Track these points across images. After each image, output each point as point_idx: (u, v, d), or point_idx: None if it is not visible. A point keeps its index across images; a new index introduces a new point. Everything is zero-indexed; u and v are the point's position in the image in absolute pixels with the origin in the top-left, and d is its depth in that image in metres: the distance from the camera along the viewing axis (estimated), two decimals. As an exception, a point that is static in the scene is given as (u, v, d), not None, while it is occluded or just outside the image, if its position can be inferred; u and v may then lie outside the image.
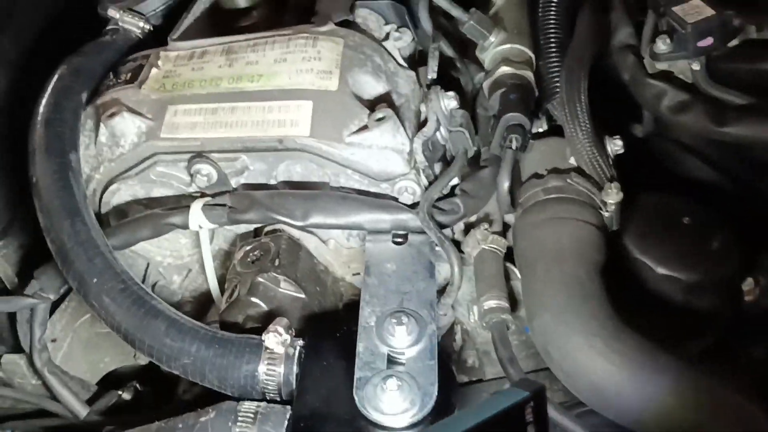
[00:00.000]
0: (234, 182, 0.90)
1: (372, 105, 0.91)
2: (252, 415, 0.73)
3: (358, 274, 0.95)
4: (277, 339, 0.76)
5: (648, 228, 0.94)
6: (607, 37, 1.02)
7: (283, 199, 0.87)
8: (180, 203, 0.90)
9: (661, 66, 0.97)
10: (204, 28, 1.05)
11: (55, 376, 0.94)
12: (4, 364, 0.99)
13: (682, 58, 0.95)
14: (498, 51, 0.98)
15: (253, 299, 0.85)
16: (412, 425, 0.69)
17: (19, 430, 1.01)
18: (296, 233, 0.93)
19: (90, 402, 0.98)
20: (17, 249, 1.02)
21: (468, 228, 0.95)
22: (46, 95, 0.91)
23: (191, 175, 0.89)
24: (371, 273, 0.84)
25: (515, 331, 0.93)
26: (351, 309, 0.92)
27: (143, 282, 0.98)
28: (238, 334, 0.79)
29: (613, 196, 0.88)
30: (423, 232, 0.87)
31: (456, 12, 0.99)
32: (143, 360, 1.02)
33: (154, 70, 0.97)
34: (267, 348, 0.77)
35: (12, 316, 0.96)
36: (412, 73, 1.01)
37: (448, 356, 1.00)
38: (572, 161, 0.94)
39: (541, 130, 1.00)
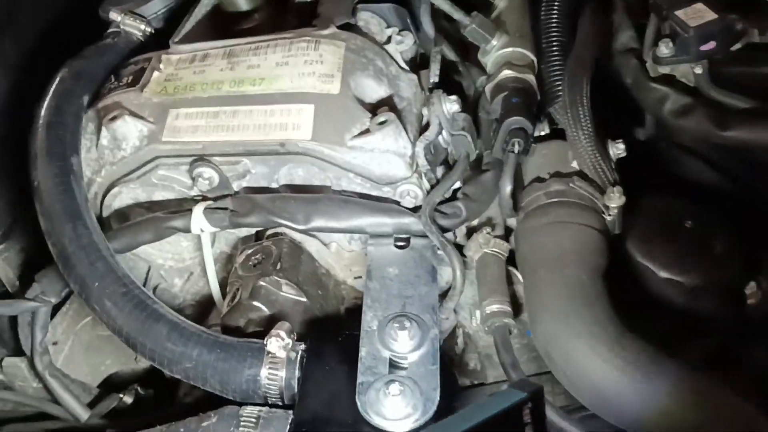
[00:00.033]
0: (236, 186, 0.90)
1: (374, 108, 0.91)
2: (254, 420, 0.74)
3: (360, 277, 0.95)
4: (279, 343, 0.76)
5: (650, 231, 0.93)
6: (609, 40, 1.02)
7: (285, 202, 0.87)
8: (182, 206, 0.90)
9: (664, 70, 0.97)
10: (205, 31, 1.05)
11: (57, 379, 0.94)
12: (5, 367, 0.99)
13: (685, 61, 0.95)
14: (500, 54, 0.98)
15: (255, 303, 0.85)
16: (415, 430, 0.69)
17: (20, 434, 1.01)
18: (298, 236, 0.93)
19: (91, 405, 0.98)
20: (19, 252, 1.02)
21: (470, 232, 0.95)
22: (48, 98, 0.91)
23: (193, 179, 0.89)
24: (373, 277, 0.84)
25: (517, 335, 0.93)
26: (353, 312, 0.92)
27: (144, 285, 0.98)
28: (240, 338, 0.79)
29: (615, 200, 0.88)
30: (425, 236, 0.87)
31: (458, 15, 0.99)
32: (144, 363, 1.02)
33: (155, 73, 0.96)
34: (269, 352, 0.77)
35: (13, 319, 0.97)
36: (414, 77, 1.01)
37: (449, 360, 1.00)
38: (574, 165, 0.94)
39: (543, 133, 1.00)
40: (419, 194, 0.88)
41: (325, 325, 0.88)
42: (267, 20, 1.06)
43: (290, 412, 0.75)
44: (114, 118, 0.90)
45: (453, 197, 0.91)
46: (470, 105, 1.04)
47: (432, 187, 0.90)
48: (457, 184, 0.92)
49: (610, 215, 0.89)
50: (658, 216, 0.95)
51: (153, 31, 1.06)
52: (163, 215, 0.88)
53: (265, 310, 0.85)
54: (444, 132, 0.94)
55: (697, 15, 0.93)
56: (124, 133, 0.90)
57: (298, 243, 0.93)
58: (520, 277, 0.92)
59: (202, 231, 0.88)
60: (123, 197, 0.92)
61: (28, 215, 0.89)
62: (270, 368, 0.76)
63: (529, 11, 1.05)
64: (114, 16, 1.05)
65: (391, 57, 1.01)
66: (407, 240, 0.88)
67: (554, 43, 1.01)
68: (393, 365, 0.74)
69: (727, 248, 0.92)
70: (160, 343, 0.77)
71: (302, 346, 0.78)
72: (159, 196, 0.92)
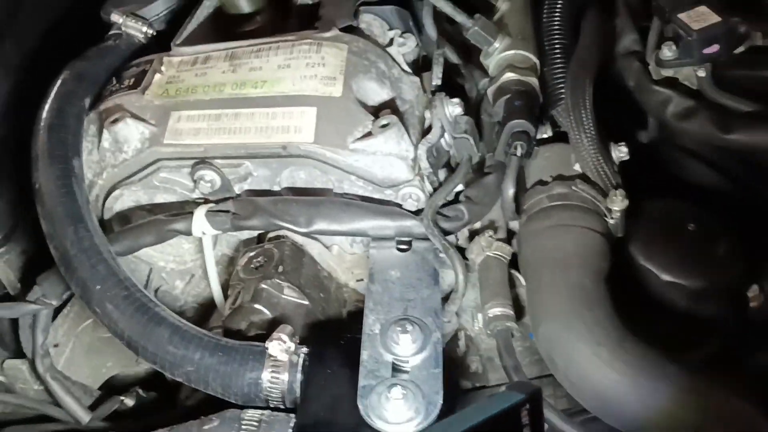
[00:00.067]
0: (237, 188, 0.90)
1: (376, 111, 0.91)
2: (256, 424, 0.73)
3: (362, 280, 0.95)
4: (280, 346, 0.76)
5: (653, 234, 0.93)
6: (611, 42, 1.02)
7: (287, 205, 0.86)
8: (183, 209, 0.90)
9: (667, 72, 0.97)
10: (207, 33, 1.05)
11: (58, 382, 0.94)
12: (6, 370, 0.99)
13: (688, 64, 0.94)
14: (502, 57, 0.98)
15: (257, 306, 0.85)
16: (414, 433, 0.69)
17: (21, 436, 1.01)
18: (300, 239, 0.92)
19: (92, 407, 0.97)
20: (20, 254, 1.02)
21: (472, 235, 0.95)
22: (49, 100, 0.91)
23: (194, 181, 0.89)
24: (375, 280, 0.84)
25: (519, 338, 0.93)
26: (354, 315, 0.92)
27: (146, 287, 0.97)
28: (242, 342, 0.79)
29: (618, 203, 0.87)
30: (427, 239, 0.87)
31: (460, 18, 0.98)
32: (145, 365, 1.01)
33: (157, 76, 0.96)
34: (271, 355, 0.77)
35: (14, 322, 0.96)
36: (417, 79, 1.01)
37: (451, 362, 1.00)
38: (577, 168, 0.94)
39: (545, 136, 0.99)
40: (421, 197, 0.88)
41: (327, 329, 0.88)
42: (269, 22, 1.06)
43: (292, 415, 0.74)
44: (116, 121, 0.90)
45: (455, 200, 0.91)
46: (472, 107, 1.03)
47: (434, 190, 0.90)
48: (460, 187, 0.92)
49: (612, 218, 0.89)
50: (661, 219, 0.95)
51: (155, 33, 1.06)
52: (165, 218, 0.88)
53: (267, 313, 0.85)
54: (446, 135, 0.93)
55: (701, 18, 0.93)
56: (126, 136, 0.90)
57: (300, 246, 0.93)
58: (522, 280, 0.91)
59: (203, 234, 0.87)
60: (124, 200, 0.92)
61: (29, 217, 0.88)
62: (272, 372, 0.76)
63: (531, 13, 1.04)
64: (115, 17, 1.04)
65: (394, 59, 1.01)
66: (409, 243, 0.88)
67: (557, 46, 1.01)
68: (395, 369, 0.74)
69: (729, 251, 0.92)
70: (161, 346, 0.77)
71: (304, 350, 0.78)
72: (160, 198, 0.92)
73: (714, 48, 0.93)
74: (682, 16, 0.94)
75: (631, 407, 0.75)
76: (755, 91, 0.93)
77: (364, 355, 0.75)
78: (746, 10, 0.95)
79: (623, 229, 0.90)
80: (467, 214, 0.89)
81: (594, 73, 0.96)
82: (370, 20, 1.06)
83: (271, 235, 0.94)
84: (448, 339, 0.98)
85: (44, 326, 0.92)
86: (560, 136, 0.98)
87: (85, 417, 0.94)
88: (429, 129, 0.93)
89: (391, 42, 1.03)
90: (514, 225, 0.95)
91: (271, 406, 0.77)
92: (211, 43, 1.00)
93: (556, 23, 1.02)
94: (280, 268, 0.88)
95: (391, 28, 1.06)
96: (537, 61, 0.98)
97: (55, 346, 0.96)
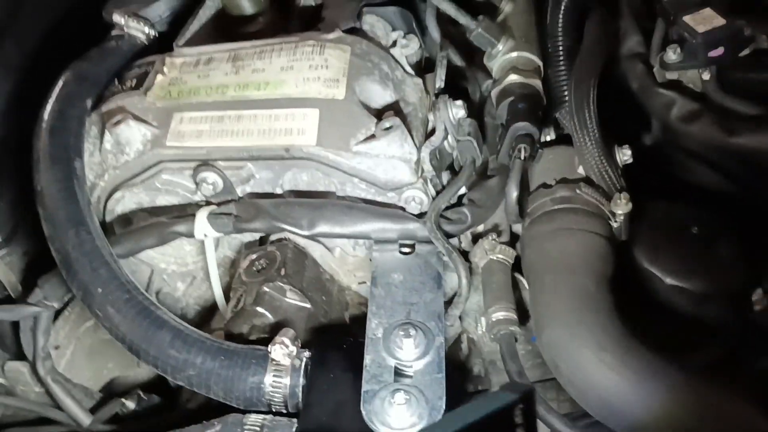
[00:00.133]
0: (240, 191, 0.90)
1: (379, 113, 0.91)
2: (258, 428, 0.73)
3: (364, 282, 0.95)
4: (283, 350, 0.76)
5: (656, 238, 0.93)
6: (615, 45, 1.01)
7: (289, 208, 0.86)
8: (185, 211, 0.90)
9: (671, 75, 0.96)
10: (210, 34, 1.05)
11: (59, 384, 0.94)
12: (7, 372, 0.99)
13: (693, 67, 0.94)
14: (506, 59, 0.97)
15: (259, 309, 0.85)
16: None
17: (22, 438, 1.01)
18: (302, 242, 0.92)
19: (93, 410, 0.97)
20: (21, 257, 1.02)
21: (476, 238, 0.94)
22: (51, 102, 0.91)
23: (197, 184, 0.88)
24: (378, 284, 0.84)
25: (522, 341, 0.93)
26: (357, 319, 0.92)
27: (147, 289, 0.97)
28: (244, 345, 0.79)
29: (622, 206, 0.87)
30: (430, 242, 0.86)
31: (464, 19, 0.98)
32: (146, 366, 1.01)
33: (159, 77, 0.96)
34: (273, 359, 0.76)
35: (15, 324, 0.96)
36: (420, 81, 1.00)
37: (454, 365, 1.00)
38: (581, 171, 0.93)
39: (549, 138, 0.99)
40: (424, 200, 0.88)
41: (330, 332, 0.88)
42: (271, 24, 1.06)
43: (294, 420, 0.74)
44: (117, 122, 0.89)
45: (458, 203, 0.91)
46: (475, 110, 1.03)
47: (437, 192, 0.90)
48: (463, 190, 0.92)
49: (616, 222, 0.89)
50: (664, 222, 0.94)
51: (157, 34, 1.05)
52: (167, 220, 0.88)
53: (269, 317, 0.84)
54: (450, 137, 0.93)
55: (705, 20, 0.92)
56: (128, 138, 0.90)
57: (302, 248, 0.92)
58: (525, 283, 0.91)
59: (205, 236, 0.87)
60: (126, 202, 0.92)
61: (30, 219, 0.88)
62: (274, 376, 0.76)
63: (535, 15, 1.04)
64: (117, 18, 1.04)
65: (397, 61, 1.00)
66: (412, 246, 0.88)
67: (560, 48, 1.01)
68: (398, 373, 0.73)
69: (733, 255, 0.91)
70: (163, 350, 0.77)
71: (307, 354, 0.78)
72: (162, 200, 0.92)
73: (719, 51, 0.92)
74: (686, 18, 0.93)
75: (635, 412, 0.74)
76: (760, 94, 0.92)
77: (367, 359, 0.74)
78: (751, 12, 0.94)
79: (627, 232, 0.90)
80: (470, 217, 0.89)
81: (598, 75, 0.95)
82: (373, 22, 1.05)
83: (273, 237, 0.94)
84: (451, 342, 0.97)
85: (45, 329, 0.92)
86: (564, 139, 0.98)
87: (86, 420, 0.94)
88: (432, 131, 0.92)
89: (394, 44, 1.03)
90: (518, 228, 0.95)
91: (274, 410, 0.76)
92: (214, 45, 0.99)
93: (559, 25, 1.01)
94: (283, 271, 0.88)
95: (394, 30, 1.06)
96: (540, 64, 0.98)
97: (56, 348, 0.96)
